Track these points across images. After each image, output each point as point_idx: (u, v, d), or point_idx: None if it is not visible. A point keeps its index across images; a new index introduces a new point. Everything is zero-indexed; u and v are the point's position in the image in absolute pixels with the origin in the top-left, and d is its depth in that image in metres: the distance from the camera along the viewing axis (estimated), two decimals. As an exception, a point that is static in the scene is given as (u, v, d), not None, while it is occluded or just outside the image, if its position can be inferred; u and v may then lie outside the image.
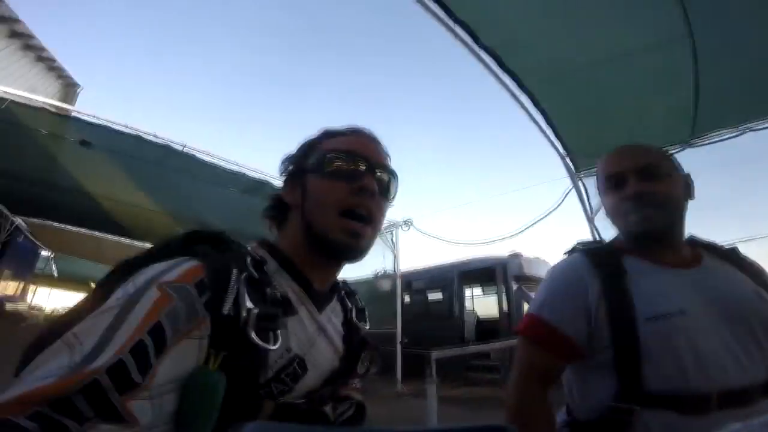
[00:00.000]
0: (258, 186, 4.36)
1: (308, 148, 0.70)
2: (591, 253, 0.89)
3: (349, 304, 0.74)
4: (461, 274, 8.19)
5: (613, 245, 0.92)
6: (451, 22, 2.37)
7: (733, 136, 2.69)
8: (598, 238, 4.47)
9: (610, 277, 0.82)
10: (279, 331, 0.52)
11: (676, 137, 2.78)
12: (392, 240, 6.88)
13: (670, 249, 0.86)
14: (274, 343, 0.51)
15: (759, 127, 2.60)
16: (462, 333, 7.50)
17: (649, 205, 0.83)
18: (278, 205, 0.70)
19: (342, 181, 0.63)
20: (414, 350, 5.48)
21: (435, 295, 8.70)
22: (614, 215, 0.91)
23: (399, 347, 6.38)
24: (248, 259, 0.55)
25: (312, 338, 0.60)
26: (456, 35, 2.44)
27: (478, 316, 8.44)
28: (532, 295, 7.42)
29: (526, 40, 2.48)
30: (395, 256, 6.85)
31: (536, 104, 3.01)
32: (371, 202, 0.64)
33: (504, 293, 7.49)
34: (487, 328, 7.52)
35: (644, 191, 0.83)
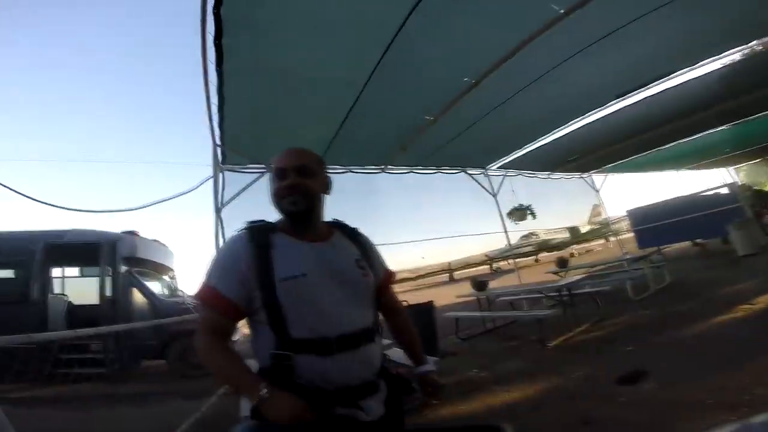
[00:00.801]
0: None
1: None
2: (249, 230, 1.04)
3: None
4: (49, 247, 6.26)
5: (274, 225, 1.12)
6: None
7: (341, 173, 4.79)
8: (221, 228, 4.88)
9: (258, 249, 0.98)
10: None
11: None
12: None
13: (310, 227, 1.09)
14: None
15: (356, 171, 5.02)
16: (45, 322, 5.99)
17: (298, 193, 1.08)
18: None
19: None
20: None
21: (4, 273, 6.51)
22: (275, 200, 1.12)
23: None
24: None
25: None
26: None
27: (70, 302, 6.87)
28: (144, 280, 6.85)
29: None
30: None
31: (219, 92, 3.27)
32: None
33: (110, 276, 6.36)
34: (84, 317, 6.01)
35: (297, 183, 1.05)
